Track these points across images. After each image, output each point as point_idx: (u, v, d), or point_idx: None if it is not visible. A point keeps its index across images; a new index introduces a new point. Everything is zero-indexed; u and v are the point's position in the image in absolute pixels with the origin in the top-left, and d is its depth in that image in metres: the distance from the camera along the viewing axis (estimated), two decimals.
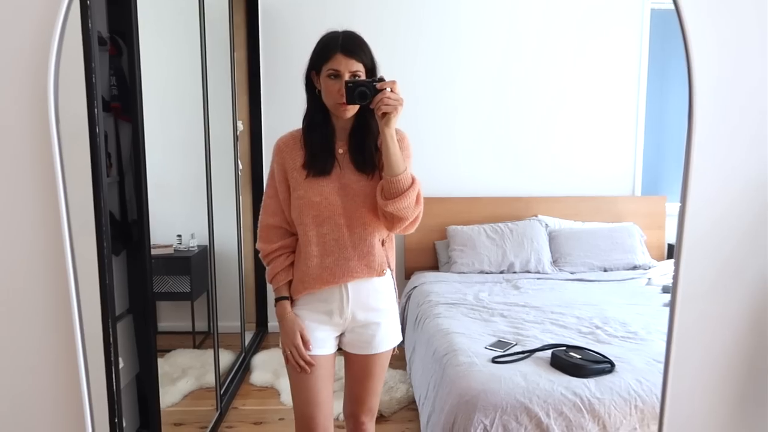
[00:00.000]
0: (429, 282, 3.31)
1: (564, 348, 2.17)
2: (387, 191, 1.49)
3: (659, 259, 3.82)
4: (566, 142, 3.87)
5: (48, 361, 1.46)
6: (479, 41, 3.77)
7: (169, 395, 2.80)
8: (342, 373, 1.79)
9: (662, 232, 3.87)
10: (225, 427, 2.69)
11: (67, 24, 1.37)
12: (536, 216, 3.76)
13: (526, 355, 2.18)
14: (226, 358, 3.28)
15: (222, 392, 2.79)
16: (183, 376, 3.01)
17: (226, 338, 3.44)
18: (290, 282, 1.63)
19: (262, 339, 3.79)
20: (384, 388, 2.75)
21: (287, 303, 1.62)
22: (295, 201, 1.58)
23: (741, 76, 1.25)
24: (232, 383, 3.05)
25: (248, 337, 3.67)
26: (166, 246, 3.36)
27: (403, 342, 3.24)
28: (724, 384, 1.26)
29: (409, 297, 3.34)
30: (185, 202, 3.25)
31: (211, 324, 2.96)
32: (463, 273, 3.45)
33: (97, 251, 1.58)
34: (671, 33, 3.84)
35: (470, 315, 2.73)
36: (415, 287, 3.34)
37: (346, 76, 1.48)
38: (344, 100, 1.47)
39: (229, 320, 3.50)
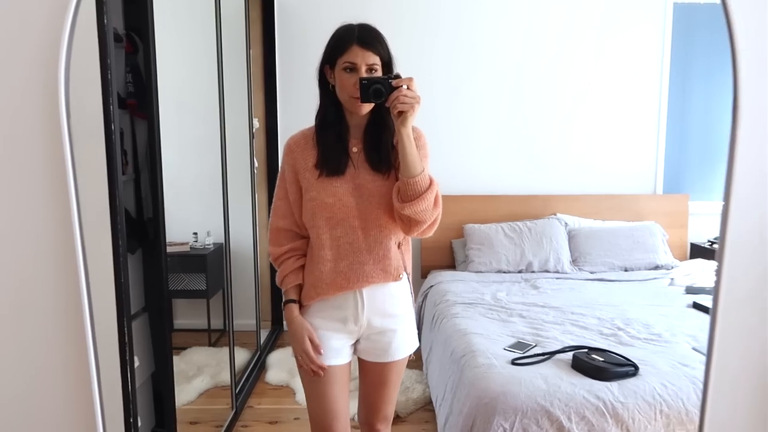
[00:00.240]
0: (446, 281, 3.27)
1: (586, 350, 2.12)
2: (404, 193, 1.43)
3: (682, 258, 3.74)
4: (586, 139, 3.80)
5: (59, 360, 1.45)
6: (498, 36, 3.72)
7: (185, 393, 2.80)
8: (356, 372, 1.74)
9: (685, 231, 3.79)
10: (240, 426, 2.68)
11: (77, 19, 1.35)
12: (555, 214, 3.70)
13: (546, 357, 2.13)
14: (242, 356, 3.27)
15: (237, 391, 2.78)
16: (198, 374, 3.00)
17: (242, 336, 3.43)
18: (300, 286, 1.58)
19: (277, 337, 3.78)
20: (400, 388, 2.72)
21: (295, 307, 1.56)
22: (308, 203, 1.52)
23: None
24: (248, 382, 3.04)
25: (263, 335, 3.67)
26: (182, 244, 3.36)
27: (419, 341, 3.22)
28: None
29: (425, 296, 3.30)
30: (201, 199, 3.24)
31: (227, 322, 2.95)
32: (481, 272, 3.40)
33: (112, 249, 1.56)
34: (695, 27, 3.75)
35: (488, 315, 2.69)
36: (432, 286, 3.30)
37: (363, 69, 1.42)
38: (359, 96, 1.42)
39: (244, 318, 3.49)
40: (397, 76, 1.40)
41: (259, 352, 3.44)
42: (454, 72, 3.73)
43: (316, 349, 1.51)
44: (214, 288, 3.41)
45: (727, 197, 1.12)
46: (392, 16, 3.63)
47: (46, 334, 1.44)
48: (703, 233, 3.86)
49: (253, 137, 3.45)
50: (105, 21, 1.52)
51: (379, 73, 1.45)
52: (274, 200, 1.61)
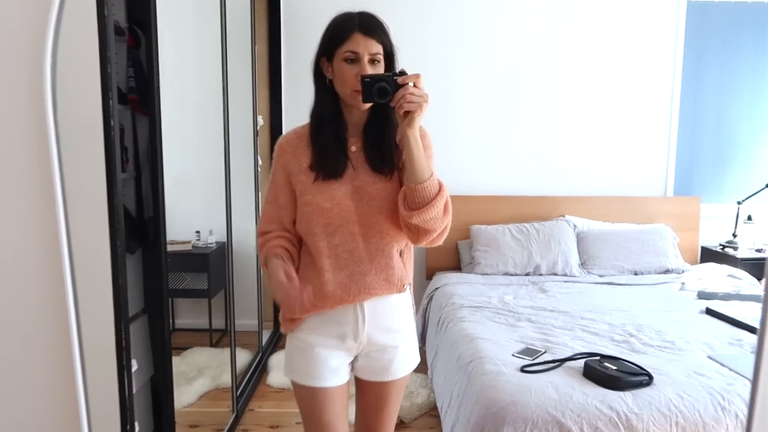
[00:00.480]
0: (452, 283, 3.21)
1: (598, 358, 2.05)
2: (411, 201, 1.31)
3: (692, 262, 3.68)
4: (595, 139, 3.73)
5: (46, 366, 1.39)
6: (508, 34, 3.65)
7: (185, 395, 2.75)
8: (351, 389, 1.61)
9: (696, 234, 3.72)
10: (241, 430, 2.62)
11: (74, 10, 1.29)
12: (563, 216, 3.63)
13: (557, 364, 2.07)
14: (243, 357, 3.21)
15: (238, 394, 2.73)
16: (199, 375, 2.95)
17: (243, 337, 3.38)
18: (288, 252, 1.41)
19: (279, 338, 3.73)
20: (405, 392, 2.66)
21: (278, 261, 1.37)
22: (303, 207, 1.39)
23: None
24: (249, 384, 2.98)
25: (265, 336, 3.61)
26: (184, 242, 3.31)
27: (424, 345, 3.18)
28: None
29: (431, 298, 3.24)
30: (204, 197, 3.19)
31: (228, 322, 2.89)
32: (487, 274, 3.34)
33: (110, 249, 1.51)
34: (708, 26, 3.67)
35: (495, 319, 2.62)
36: (437, 288, 3.24)
37: (366, 59, 1.31)
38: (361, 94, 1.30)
39: (246, 318, 3.44)
40: (402, 73, 1.29)
41: (260, 354, 3.38)
42: (462, 69, 3.66)
43: (291, 279, 1.31)
44: (215, 287, 3.35)
45: None
46: (398, 13, 3.56)
47: (33, 338, 1.39)
48: (715, 236, 3.80)
49: (257, 135, 3.39)
50: (105, 12, 1.46)
51: (381, 65, 1.35)
52: (264, 204, 1.50)
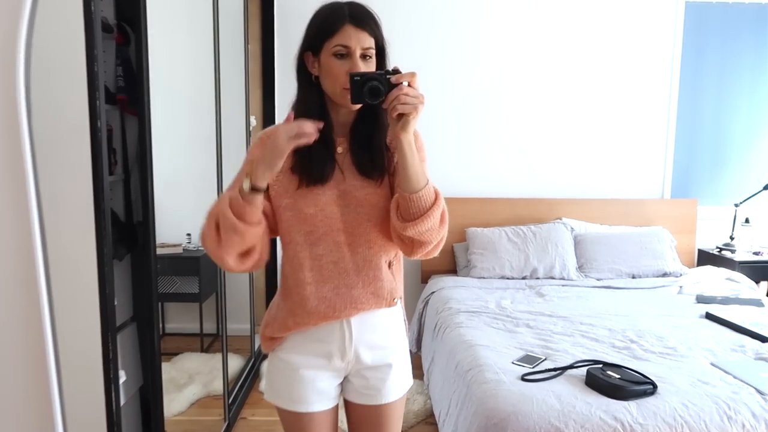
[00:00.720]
0: (448, 287, 3.16)
1: (600, 366, 2.01)
2: (405, 211, 1.19)
3: (689, 265, 3.65)
4: (593, 141, 3.69)
5: (20, 380, 1.32)
6: (503, 35, 3.60)
7: (176, 403, 2.68)
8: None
9: (693, 236, 3.69)
10: None
11: (37, 5, 1.22)
12: (560, 219, 3.59)
13: (558, 372, 2.02)
14: (235, 363, 3.15)
15: (230, 401, 2.66)
16: (190, 382, 2.89)
17: (235, 341, 3.32)
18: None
19: None
20: None
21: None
22: (282, 212, 1.27)
23: None
24: (241, 391, 2.91)
25: (258, 340, 3.54)
26: (174, 245, 3.24)
27: (419, 350, 3.12)
28: None
29: (426, 303, 3.19)
30: (195, 199, 3.12)
31: (220, 327, 2.83)
32: (483, 278, 3.29)
33: (96, 256, 1.44)
34: (706, 27, 3.64)
35: (493, 325, 2.57)
36: (433, 292, 3.19)
37: (358, 54, 1.19)
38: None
39: (238, 322, 3.37)
40: (396, 71, 1.16)
41: (253, 359, 3.32)
42: (457, 69, 3.61)
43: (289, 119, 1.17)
44: (207, 291, 3.29)
45: None
46: (385, 6, 3.50)
47: (6, 350, 1.32)
48: (712, 239, 3.77)
49: (250, 135, 3.32)
50: (92, 8, 1.40)
51: (372, 62, 1.23)
52: (226, 190, 1.27)
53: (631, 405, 1.80)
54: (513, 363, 2.12)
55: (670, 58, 3.65)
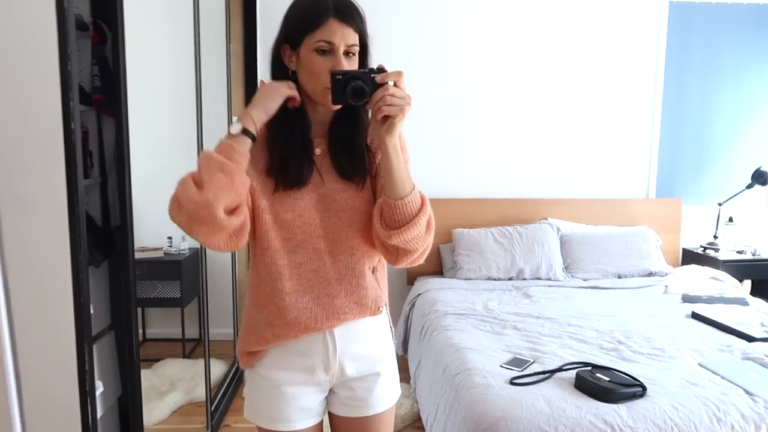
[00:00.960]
0: (434, 289, 3.13)
1: (589, 368, 1.99)
2: (390, 218, 1.12)
3: (674, 264, 3.66)
4: (578, 141, 3.69)
5: None
6: (486, 32, 3.58)
7: (156, 411, 2.62)
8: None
9: (677, 236, 3.70)
10: None
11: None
12: (546, 219, 3.58)
13: (547, 375, 2.00)
14: (218, 368, 3.09)
15: (213, 408, 2.60)
16: (171, 389, 2.82)
17: (218, 346, 3.26)
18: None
19: None
20: None
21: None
22: (260, 214, 1.17)
23: None
24: (224, 397, 2.85)
25: None
26: (155, 249, 3.18)
27: (406, 353, 3.09)
28: None
29: (413, 305, 3.15)
30: None
31: (203, 332, 2.77)
32: (470, 279, 3.26)
33: (71, 264, 1.38)
34: (690, 27, 3.66)
35: (481, 327, 2.55)
36: (420, 294, 3.15)
37: (341, 50, 1.11)
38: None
39: (221, 327, 3.31)
40: (381, 70, 1.08)
41: (236, 364, 3.25)
42: (441, 69, 3.59)
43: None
44: (189, 296, 3.23)
45: None
46: (371, 4, 3.46)
47: None
48: (696, 238, 3.79)
49: None
50: (65, 4, 1.34)
51: (355, 60, 1.15)
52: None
53: (621, 408, 1.78)
54: (501, 366, 2.10)
55: (655, 58, 3.66)
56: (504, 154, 3.67)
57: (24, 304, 1.31)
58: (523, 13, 3.58)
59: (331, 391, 1.29)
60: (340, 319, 1.20)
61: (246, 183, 1.07)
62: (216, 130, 3.05)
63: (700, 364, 2.11)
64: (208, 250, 2.72)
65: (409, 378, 2.81)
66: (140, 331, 3.38)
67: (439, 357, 2.35)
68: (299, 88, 1.18)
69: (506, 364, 2.12)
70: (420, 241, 1.15)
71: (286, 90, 1.14)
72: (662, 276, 3.35)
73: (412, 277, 3.57)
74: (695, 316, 2.66)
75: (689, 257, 3.69)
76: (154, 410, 2.61)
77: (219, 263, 3.32)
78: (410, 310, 3.16)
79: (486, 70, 3.61)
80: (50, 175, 1.36)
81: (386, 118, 1.06)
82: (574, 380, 1.95)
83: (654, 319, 2.63)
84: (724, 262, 3.45)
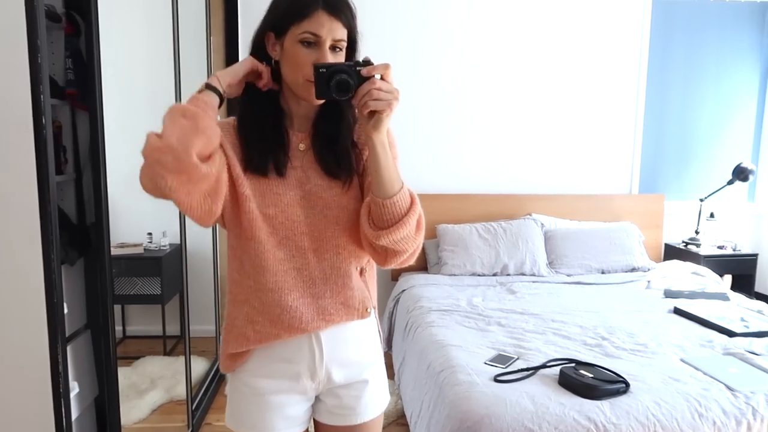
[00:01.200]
0: (419, 285, 3.11)
1: (573, 365, 1.99)
2: (378, 218, 1.07)
3: (657, 260, 3.68)
4: (562, 137, 3.69)
5: None
6: (472, 30, 3.56)
7: (136, 410, 2.57)
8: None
9: (660, 231, 3.73)
10: None
11: None
12: (530, 215, 3.58)
13: (531, 372, 1.99)
14: (200, 366, 3.05)
15: (194, 407, 2.56)
16: (152, 387, 2.78)
17: (200, 343, 3.21)
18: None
19: None
20: None
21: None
22: (244, 201, 1.11)
23: None
24: (206, 395, 2.82)
25: None
26: (135, 245, 3.12)
27: (390, 349, 3.07)
28: None
29: (397, 301, 3.13)
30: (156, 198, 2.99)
31: (184, 329, 2.73)
32: (455, 275, 3.26)
33: (43, 262, 1.34)
34: (673, 24, 3.67)
35: (465, 324, 2.54)
36: (404, 291, 3.14)
37: (328, 44, 1.07)
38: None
39: (202, 323, 3.26)
40: (367, 62, 1.03)
41: (218, 361, 3.22)
42: (426, 64, 3.56)
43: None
44: (169, 292, 3.17)
45: None
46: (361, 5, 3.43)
47: None
48: (678, 234, 3.81)
49: None
50: None
51: (342, 55, 1.11)
52: None
53: (605, 404, 1.78)
54: (485, 363, 2.09)
55: (638, 55, 3.66)
56: (488, 150, 3.66)
57: None
58: (507, 10, 3.56)
59: (316, 398, 1.24)
60: (326, 320, 1.15)
61: (216, 132, 1.02)
62: None
63: (682, 360, 2.12)
64: (189, 246, 2.68)
65: (394, 375, 2.79)
66: (120, 328, 3.33)
67: (423, 354, 2.34)
68: (281, 79, 1.14)
69: (490, 360, 2.11)
70: (409, 241, 1.10)
71: (257, 62, 1.12)
72: (645, 271, 3.37)
73: (396, 273, 3.55)
74: (677, 311, 2.68)
75: (671, 252, 3.71)
76: (133, 409, 2.57)
77: (200, 259, 3.28)
78: (394, 306, 3.14)
79: (470, 66, 3.59)
80: (20, 171, 1.32)
81: (373, 113, 1.02)
82: (557, 377, 1.94)
83: (637, 315, 2.64)
84: (706, 257, 3.48)
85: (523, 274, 3.29)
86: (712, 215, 3.66)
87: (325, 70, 1.03)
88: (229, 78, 1.09)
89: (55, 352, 1.30)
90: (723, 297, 2.89)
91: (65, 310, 1.48)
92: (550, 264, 3.38)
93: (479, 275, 3.28)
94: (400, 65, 3.50)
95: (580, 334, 2.39)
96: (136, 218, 3.13)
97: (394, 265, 1.15)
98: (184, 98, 2.49)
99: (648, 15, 3.63)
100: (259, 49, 1.14)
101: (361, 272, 1.21)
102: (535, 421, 1.71)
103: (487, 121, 3.64)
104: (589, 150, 3.72)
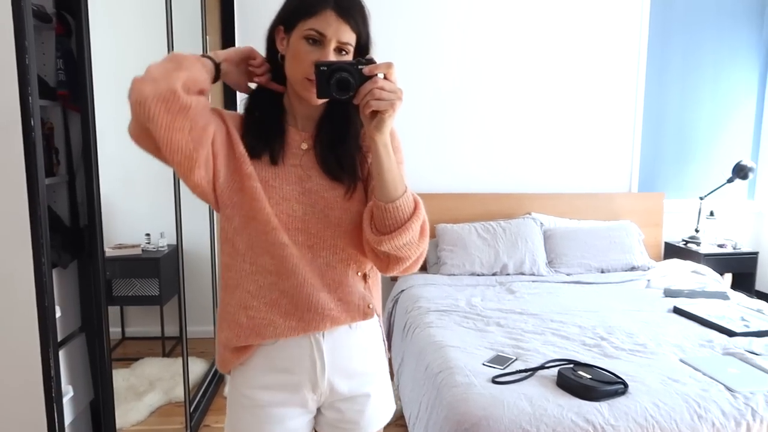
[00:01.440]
0: (417, 285, 3.10)
1: (571, 366, 1.97)
2: (380, 223, 1.04)
3: (656, 258, 3.67)
4: (561, 136, 3.67)
5: None
6: (469, 28, 3.54)
7: (134, 412, 2.56)
8: None
9: (660, 230, 3.71)
10: None
11: None
12: (530, 214, 3.56)
13: (529, 373, 1.97)
14: (198, 367, 3.04)
15: (192, 409, 2.55)
16: (150, 389, 2.77)
17: (199, 344, 3.20)
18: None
19: None
20: None
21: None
22: (246, 180, 1.08)
23: None
24: (204, 397, 2.81)
25: None
26: (133, 246, 3.11)
27: (389, 350, 3.05)
28: None
29: (396, 301, 3.12)
30: (153, 198, 2.99)
31: (182, 330, 2.71)
32: (454, 275, 3.24)
33: (33, 266, 1.33)
34: (672, 23, 3.65)
35: (464, 324, 2.52)
36: (403, 291, 3.12)
37: (332, 46, 1.04)
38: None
39: (201, 324, 3.25)
40: (370, 61, 1.01)
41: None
42: (425, 63, 3.54)
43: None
44: (168, 293, 3.16)
45: None
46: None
47: None
48: (677, 232, 3.80)
49: None
50: None
51: (348, 58, 1.08)
52: None
53: (603, 406, 1.76)
54: (484, 364, 2.07)
55: (636, 53, 3.64)
56: (487, 149, 3.65)
57: None
58: (507, 10, 3.54)
59: (318, 410, 1.20)
60: (324, 318, 1.10)
61: (203, 76, 1.04)
62: None
63: (681, 360, 2.11)
64: (186, 247, 2.66)
65: (393, 375, 2.78)
66: (119, 329, 3.32)
67: (421, 355, 2.32)
68: (284, 76, 1.12)
69: (488, 362, 2.09)
70: (412, 247, 1.07)
71: (255, 51, 1.16)
72: (644, 270, 3.35)
73: None
74: (677, 310, 2.66)
75: (671, 251, 3.69)
76: (131, 411, 2.56)
77: (198, 260, 3.27)
78: (393, 306, 3.13)
79: (470, 65, 3.57)
80: (9, 174, 1.30)
81: (375, 113, 0.99)
82: (556, 378, 1.93)
83: (636, 314, 2.62)
84: (706, 255, 3.46)
85: (522, 274, 3.27)
86: (711, 213, 3.64)
87: (325, 68, 1.00)
88: (224, 54, 1.12)
89: (47, 355, 1.29)
90: (723, 296, 2.87)
91: (58, 314, 1.47)
92: (550, 263, 3.37)
93: (478, 275, 3.26)
94: (399, 65, 3.47)
95: (579, 334, 2.37)
96: (133, 219, 3.12)
97: (396, 272, 1.11)
98: None
99: (646, 14, 3.60)
100: (270, 43, 1.15)
101: (365, 278, 1.17)
102: (533, 423, 1.70)
103: (486, 121, 3.62)
104: (589, 148, 3.70)
